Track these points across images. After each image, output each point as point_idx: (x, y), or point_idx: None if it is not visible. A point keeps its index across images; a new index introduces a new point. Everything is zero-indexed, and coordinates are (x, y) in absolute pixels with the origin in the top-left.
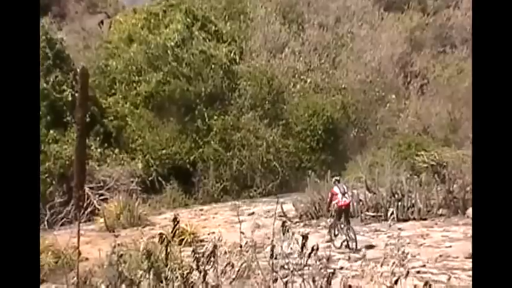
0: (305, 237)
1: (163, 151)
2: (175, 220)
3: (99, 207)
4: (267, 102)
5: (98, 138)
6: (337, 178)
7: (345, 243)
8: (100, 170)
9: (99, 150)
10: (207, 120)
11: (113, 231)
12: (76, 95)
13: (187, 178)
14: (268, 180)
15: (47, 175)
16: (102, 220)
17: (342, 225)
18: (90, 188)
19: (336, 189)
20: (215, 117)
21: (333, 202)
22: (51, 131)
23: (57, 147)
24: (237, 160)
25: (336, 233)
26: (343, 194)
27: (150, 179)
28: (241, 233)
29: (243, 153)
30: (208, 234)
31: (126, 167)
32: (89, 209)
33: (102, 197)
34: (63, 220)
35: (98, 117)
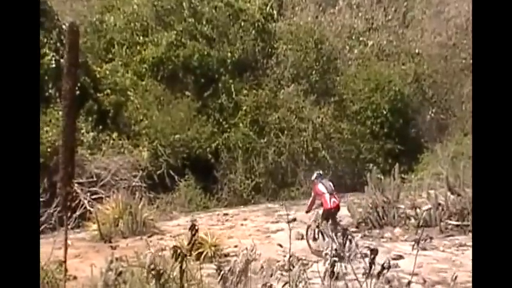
0: (374, 251)
1: (176, 136)
2: (193, 229)
3: (91, 209)
4: (314, 72)
5: (90, 119)
6: (320, 172)
7: (333, 251)
8: (93, 160)
9: (91, 134)
10: (234, 95)
11: (110, 242)
12: (61, 60)
13: (208, 172)
14: None
15: None
16: (95, 226)
17: (329, 229)
18: (80, 183)
19: (321, 187)
20: (245, 92)
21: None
22: None
23: None
24: (274, 149)
25: (317, 236)
26: (331, 194)
27: (158, 172)
28: (279, 245)
29: (282, 139)
30: (235, 246)
31: (127, 156)
32: (78, 212)
33: (95, 196)
34: (43, 226)
35: (90, 91)
